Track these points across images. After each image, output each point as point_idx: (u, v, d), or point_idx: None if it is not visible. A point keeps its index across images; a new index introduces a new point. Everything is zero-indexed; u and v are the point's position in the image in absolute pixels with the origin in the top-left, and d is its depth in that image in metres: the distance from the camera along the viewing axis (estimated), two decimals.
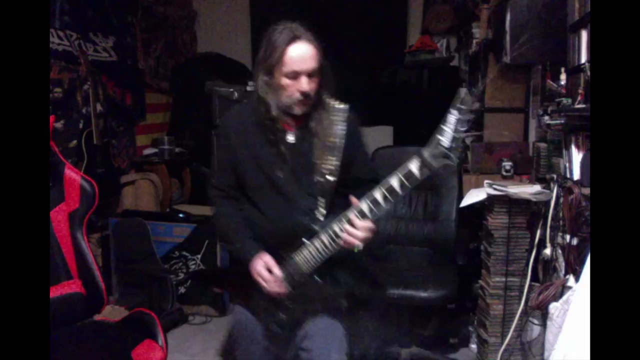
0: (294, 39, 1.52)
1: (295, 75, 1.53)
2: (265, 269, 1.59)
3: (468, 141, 2.90)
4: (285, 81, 1.54)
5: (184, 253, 3.08)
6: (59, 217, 1.88)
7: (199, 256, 3.06)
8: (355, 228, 1.45)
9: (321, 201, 1.59)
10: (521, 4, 2.26)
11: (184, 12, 4.42)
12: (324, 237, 1.50)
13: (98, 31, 3.39)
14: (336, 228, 1.47)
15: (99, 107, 3.25)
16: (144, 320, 1.79)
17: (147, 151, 3.90)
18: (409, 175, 1.35)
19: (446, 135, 1.27)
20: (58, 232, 1.87)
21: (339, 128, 1.60)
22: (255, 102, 1.62)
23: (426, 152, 1.30)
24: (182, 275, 3.09)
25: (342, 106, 1.64)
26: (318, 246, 1.52)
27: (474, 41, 3.11)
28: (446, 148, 1.27)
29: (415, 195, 2.70)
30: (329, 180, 1.58)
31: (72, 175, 1.92)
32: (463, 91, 1.27)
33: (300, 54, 1.52)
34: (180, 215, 3.20)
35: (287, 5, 4.14)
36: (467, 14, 3.36)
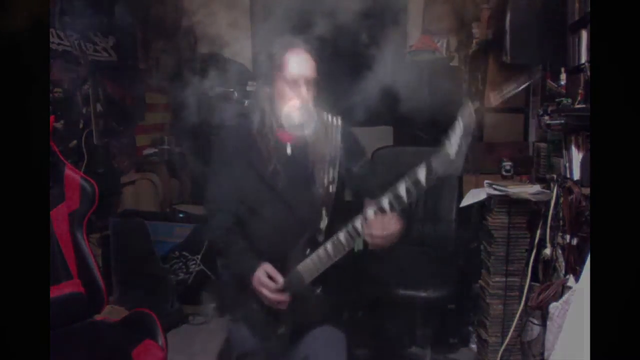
0: (293, 47, 1.60)
1: (294, 83, 1.58)
2: (267, 276, 1.56)
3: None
4: (284, 88, 1.59)
5: (184, 253, 3.08)
6: (59, 217, 1.88)
7: (199, 256, 3.05)
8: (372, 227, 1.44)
9: (323, 211, 1.60)
10: (521, 4, 2.25)
11: (184, 12, 4.42)
12: (329, 246, 1.51)
13: (98, 31, 3.39)
14: (341, 236, 1.48)
15: (99, 107, 3.25)
16: (144, 320, 1.79)
17: (147, 151, 3.90)
18: (416, 182, 1.36)
19: (452, 146, 1.31)
20: (58, 232, 1.87)
21: (336, 142, 1.64)
22: (256, 114, 1.67)
23: (434, 162, 1.34)
24: (182, 275, 3.08)
25: (337, 122, 1.68)
26: (322, 255, 1.52)
27: (474, 41, 3.11)
28: (452, 158, 1.31)
29: None
30: (329, 191, 1.61)
31: (72, 175, 1.92)
32: (469, 103, 1.32)
33: (299, 60, 1.59)
34: (180, 215, 3.20)
35: (288, 4, 4.14)
36: (467, 14, 3.36)
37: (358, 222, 1.46)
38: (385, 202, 1.40)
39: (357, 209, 1.47)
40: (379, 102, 1.75)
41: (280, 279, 1.56)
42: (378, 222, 1.43)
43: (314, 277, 1.55)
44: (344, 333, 1.64)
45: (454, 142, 1.31)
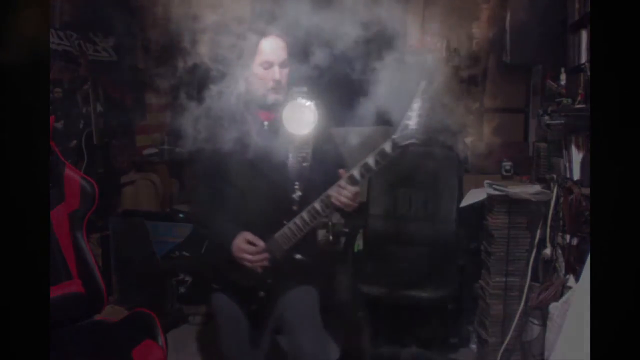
0: (266, 34, 1.75)
1: (268, 65, 1.72)
2: (247, 243, 1.69)
3: (468, 141, 2.90)
4: (259, 70, 1.73)
5: (184, 253, 3.08)
6: (59, 217, 1.88)
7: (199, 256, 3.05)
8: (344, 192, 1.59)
9: (297, 184, 1.72)
10: (521, 4, 2.26)
11: (184, 11, 4.42)
12: (305, 215, 1.65)
13: (98, 31, 3.39)
14: (317, 205, 1.62)
15: (99, 107, 3.25)
16: (144, 320, 1.79)
17: (147, 151, 3.90)
18: (382, 153, 1.54)
19: (412, 119, 1.51)
20: (58, 232, 1.87)
21: (310, 121, 1.73)
22: (233, 95, 1.77)
23: (396, 134, 1.53)
24: (182, 275, 3.08)
25: (310, 103, 1.76)
26: (299, 223, 1.66)
27: (474, 41, 3.11)
28: (412, 129, 1.50)
29: (415, 195, 2.70)
30: (303, 166, 1.73)
31: (72, 175, 1.92)
32: (423, 83, 1.52)
33: (272, 46, 1.74)
34: (180, 215, 3.20)
35: (288, 4, 4.13)
36: (467, 14, 3.36)
37: (332, 191, 1.60)
38: (356, 172, 1.57)
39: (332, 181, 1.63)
40: (378, 108, 1.78)
41: (260, 242, 1.70)
42: (346, 190, 1.59)
43: (292, 244, 1.69)
44: (316, 288, 1.77)
45: (413, 115, 1.50)
